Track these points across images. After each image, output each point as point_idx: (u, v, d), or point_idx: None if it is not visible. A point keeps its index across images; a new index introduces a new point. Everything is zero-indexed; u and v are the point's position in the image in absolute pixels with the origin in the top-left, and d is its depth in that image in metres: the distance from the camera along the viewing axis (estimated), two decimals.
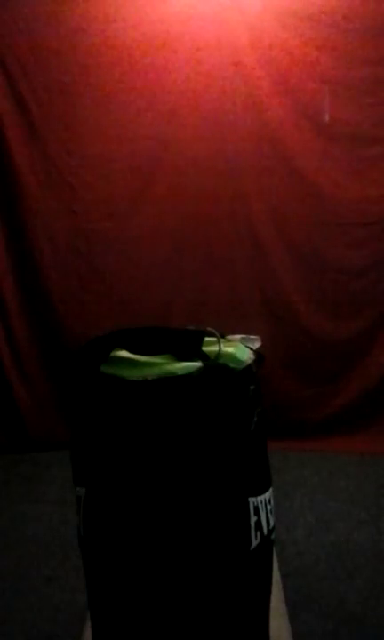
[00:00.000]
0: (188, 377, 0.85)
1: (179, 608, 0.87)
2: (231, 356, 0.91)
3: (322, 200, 2.86)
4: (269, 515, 0.93)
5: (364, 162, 2.83)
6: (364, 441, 2.88)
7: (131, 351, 0.92)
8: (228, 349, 0.92)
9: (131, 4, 2.69)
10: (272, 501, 0.95)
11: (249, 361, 0.93)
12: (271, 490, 0.96)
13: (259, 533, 0.90)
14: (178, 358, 0.88)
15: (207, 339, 0.93)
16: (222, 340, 0.93)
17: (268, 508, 0.94)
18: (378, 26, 2.70)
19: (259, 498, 0.91)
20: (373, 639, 1.66)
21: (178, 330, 0.93)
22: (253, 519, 0.89)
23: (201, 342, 0.91)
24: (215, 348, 0.91)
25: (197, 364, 0.87)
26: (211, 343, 0.93)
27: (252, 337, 1.04)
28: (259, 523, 0.90)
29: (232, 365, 0.90)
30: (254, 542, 0.89)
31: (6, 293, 2.85)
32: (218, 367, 0.88)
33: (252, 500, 0.90)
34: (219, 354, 0.91)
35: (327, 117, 2.80)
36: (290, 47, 2.72)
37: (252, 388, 0.91)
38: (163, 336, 0.93)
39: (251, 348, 0.98)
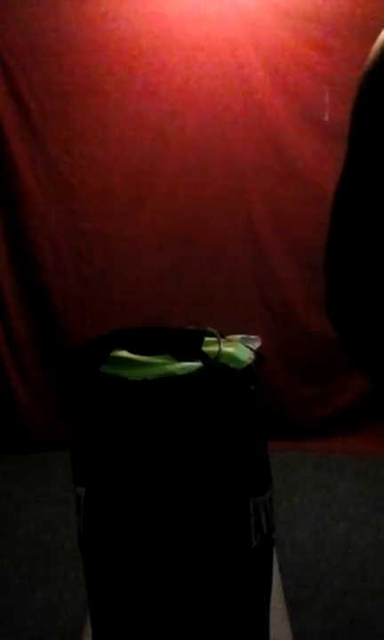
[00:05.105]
0: (188, 377, 0.86)
1: (179, 607, 0.87)
2: (231, 356, 0.91)
3: (322, 200, 2.84)
4: (269, 515, 0.93)
5: None
6: (364, 441, 2.87)
7: (131, 351, 0.92)
8: (228, 349, 0.92)
9: (130, 4, 2.69)
10: (272, 502, 0.95)
11: (249, 361, 0.93)
12: (271, 490, 0.96)
13: (259, 533, 0.90)
14: (178, 358, 0.88)
15: (207, 339, 0.93)
16: (222, 340, 0.93)
17: (268, 508, 0.94)
18: (378, 26, 2.69)
19: (259, 498, 0.91)
20: (373, 639, 1.66)
21: (178, 330, 0.93)
22: (253, 519, 0.89)
23: (201, 342, 0.91)
24: (215, 348, 0.92)
25: (197, 364, 0.87)
26: (211, 343, 0.93)
27: (252, 337, 1.04)
28: (259, 523, 0.90)
29: (232, 365, 0.90)
30: (254, 542, 0.89)
31: (6, 294, 2.85)
32: (218, 367, 0.88)
33: (252, 500, 0.90)
34: (219, 354, 0.91)
35: (327, 117, 2.80)
36: (290, 47, 2.72)
37: (251, 387, 0.91)
38: (163, 336, 0.93)
39: (251, 348, 0.98)
